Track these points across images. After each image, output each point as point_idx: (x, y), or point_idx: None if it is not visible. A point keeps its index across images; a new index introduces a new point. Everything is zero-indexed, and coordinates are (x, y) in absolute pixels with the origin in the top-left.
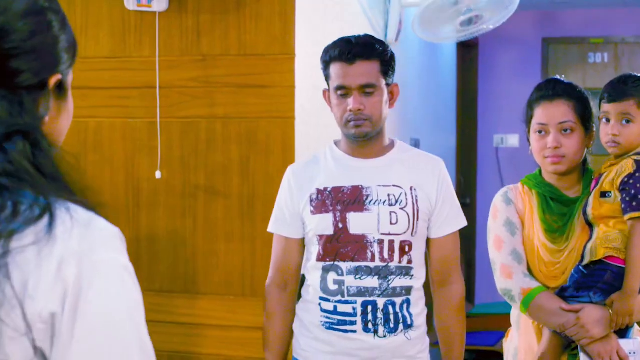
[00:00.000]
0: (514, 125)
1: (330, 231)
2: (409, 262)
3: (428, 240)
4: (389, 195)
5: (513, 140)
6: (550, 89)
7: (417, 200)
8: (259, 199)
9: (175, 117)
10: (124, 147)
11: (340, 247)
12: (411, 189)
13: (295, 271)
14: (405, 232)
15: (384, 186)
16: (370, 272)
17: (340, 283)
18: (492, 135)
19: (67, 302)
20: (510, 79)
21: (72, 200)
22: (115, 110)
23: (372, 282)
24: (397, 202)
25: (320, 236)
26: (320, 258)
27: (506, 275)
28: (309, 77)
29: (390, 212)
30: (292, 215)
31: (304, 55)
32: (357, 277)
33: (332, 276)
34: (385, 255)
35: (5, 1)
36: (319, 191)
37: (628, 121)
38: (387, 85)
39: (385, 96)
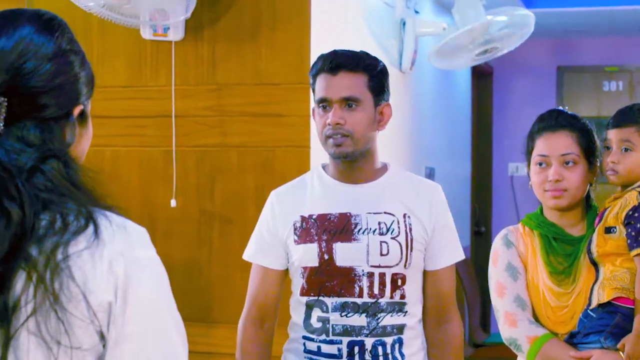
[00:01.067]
0: None
1: (314, 262)
2: (402, 297)
3: (423, 273)
4: (379, 224)
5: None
6: (553, 120)
7: (410, 229)
8: None
9: (191, 145)
10: (140, 176)
11: (326, 280)
12: (404, 216)
13: (273, 305)
14: (397, 264)
15: (374, 213)
16: (357, 308)
17: (324, 321)
18: (507, 164)
19: (118, 292)
20: (525, 107)
21: (104, 207)
22: (131, 139)
23: (360, 320)
24: (388, 230)
25: (304, 268)
26: (304, 292)
27: (510, 324)
28: None
29: (381, 242)
30: (273, 244)
31: None
32: (343, 314)
33: (316, 312)
34: (375, 290)
35: (35, 46)
36: (303, 219)
37: (627, 149)
38: (377, 104)
39: (372, 114)
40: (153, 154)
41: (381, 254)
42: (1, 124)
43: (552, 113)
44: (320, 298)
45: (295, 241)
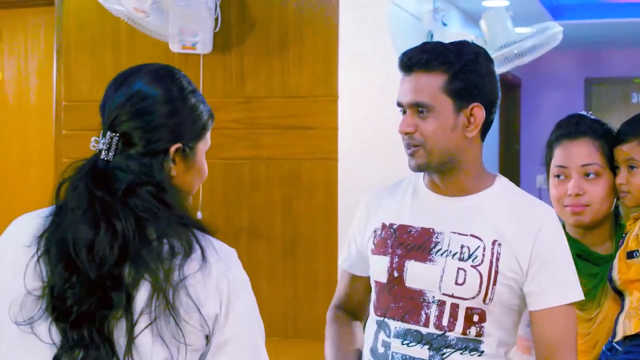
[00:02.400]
0: None
1: (383, 278)
2: (479, 335)
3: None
4: (462, 247)
5: None
6: (572, 126)
7: (497, 259)
8: (301, 240)
9: (219, 158)
10: None
11: (392, 300)
12: (494, 243)
13: (362, 304)
14: (473, 298)
15: (459, 234)
16: (420, 338)
17: (387, 346)
18: (535, 176)
19: (222, 305)
20: (553, 119)
21: (194, 225)
22: None
23: (421, 352)
24: (470, 257)
25: (376, 282)
26: (375, 309)
27: (524, 350)
28: (352, 119)
29: (458, 269)
30: (358, 249)
31: (347, 97)
32: (405, 342)
33: (381, 336)
34: (444, 322)
35: (180, 91)
36: (384, 227)
37: (633, 167)
38: (461, 108)
39: (451, 121)
40: None
41: (456, 283)
42: (112, 154)
43: (572, 118)
44: (386, 320)
45: (372, 250)
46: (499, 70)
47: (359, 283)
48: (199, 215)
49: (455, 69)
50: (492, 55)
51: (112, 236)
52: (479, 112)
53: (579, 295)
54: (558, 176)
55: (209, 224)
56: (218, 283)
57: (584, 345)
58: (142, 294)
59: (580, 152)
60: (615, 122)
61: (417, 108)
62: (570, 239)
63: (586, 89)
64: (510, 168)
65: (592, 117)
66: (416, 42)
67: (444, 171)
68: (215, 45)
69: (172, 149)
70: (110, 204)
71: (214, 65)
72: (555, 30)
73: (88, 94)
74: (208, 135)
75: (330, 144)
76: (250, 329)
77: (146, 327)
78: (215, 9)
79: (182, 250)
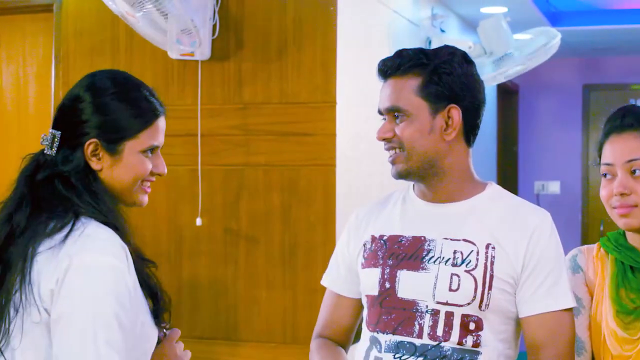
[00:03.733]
0: (555, 171)
1: (375, 291)
2: (476, 345)
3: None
4: (454, 252)
5: (554, 187)
6: (619, 119)
7: (492, 263)
8: (300, 247)
9: (217, 164)
10: (167, 195)
11: (383, 313)
12: (487, 246)
13: (347, 333)
14: (468, 304)
15: (451, 240)
16: (413, 351)
17: None
18: (533, 182)
19: (58, 282)
20: (551, 125)
21: (98, 219)
22: None
23: None
24: (463, 261)
25: (367, 296)
26: (367, 325)
27: None
28: (350, 125)
29: (452, 275)
30: (348, 268)
31: (345, 103)
32: (397, 355)
33: (373, 352)
34: (438, 332)
35: (107, 92)
36: (373, 239)
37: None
38: (437, 110)
39: (427, 124)
40: (179, 172)
41: (450, 289)
42: (54, 150)
43: (620, 111)
44: (376, 334)
45: (362, 264)
46: (495, 81)
47: (345, 305)
48: (199, 221)
49: (428, 70)
50: (490, 74)
51: (6, 222)
52: (456, 114)
53: (569, 301)
54: (605, 175)
55: (118, 218)
56: (61, 262)
57: None
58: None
59: (626, 147)
60: None
61: (394, 113)
62: (626, 247)
63: (584, 95)
64: (509, 174)
65: None
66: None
67: (427, 177)
68: (213, 52)
69: (86, 144)
70: (25, 194)
71: (212, 72)
72: (552, 43)
73: None
74: (147, 134)
75: (328, 151)
76: (85, 314)
77: (14, 293)
78: (214, 15)
79: (49, 230)
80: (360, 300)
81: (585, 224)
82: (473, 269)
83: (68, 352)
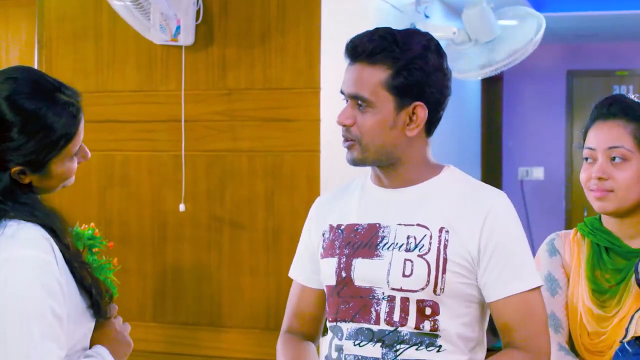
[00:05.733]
0: (539, 157)
1: (332, 281)
2: (434, 329)
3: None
4: (408, 238)
5: (538, 173)
6: (605, 107)
7: (445, 246)
8: (284, 233)
9: (201, 150)
10: (150, 180)
11: (341, 302)
12: (441, 230)
13: (314, 323)
14: (423, 289)
15: (405, 225)
16: (371, 337)
17: (339, 350)
18: (517, 168)
19: None
20: (535, 111)
21: (29, 220)
22: (141, 144)
23: (374, 350)
24: (416, 246)
25: (327, 287)
26: (328, 315)
27: None
28: (334, 111)
29: (405, 260)
30: (310, 258)
31: (329, 88)
32: (357, 342)
33: (334, 341)
34: (395, 317)
35: (20, 115)
36: (331, 229)
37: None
38: (402, 106)
39: (390, 119)
40: (163, 158)
41: (403, 275)
42: None
43: (608, 99)
44: (338, 324)
45: (321, 254)
46: (482, 76)
47: (311, 295)
48: (182, 207)
49: (399, 65)
50: (475, 71)
51: None
52: (422, 112)
53: (536, 280)
54: (587, 159)
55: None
56: None
57: (599, 344)
58: None
59: (609, 134)
60: None
61: (357, 100)
62: (602, 231)
63: (568, 81)
64: (492, 160)
65: (633, 98)
66: None
67: (382, 166)
68: (197, 37)
69: (12, 171)
70: None
71: (196, 57)
72: (538, 37)
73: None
74: (71, 144)
75: (312, 137)
76: (15, 308)
77: None
78: (197, 1)
79: None
80: (324, 290)
81: (569, 209)
82: (426, 254)
83: (3, 348)
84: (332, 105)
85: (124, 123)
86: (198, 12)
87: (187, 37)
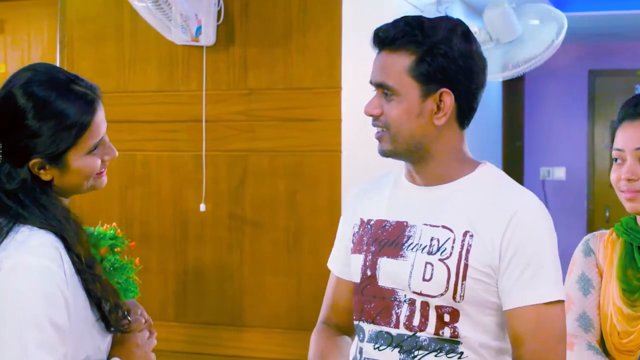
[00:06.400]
0: (561, 157)
1: (357, 278)
2: (454, 335)
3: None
4: (431, 239)
5: (559, 173)
6: (632, 106)
7: (467, 251)
8: (305, 233)
9: (222, 150)
10: (171, 180)
11: (365, 301)
12: (465, 234)
13: (349, 315)
14: (442, 294)
15: (430, 226)
16: (390, 341)
17: (360, 352)
18: (539, 168)
19: None
20: (556, 111)
21: (44, 228)
22: (162, 144)
23: (392, 355)
24: (438, 249)
25: (354, 283)
26: (353, 313)
27: (567, 346)
28: (355, 110)
29: (426, 264)
30: (345, 249)
31: (351, 88)
32: (376, 346)
33: (358, 342)
34: (414, 322)
35: (39, 106)
36: (362, 223)
37: None
38: (427, 93)
39: (417, 107)
40: (184, 158)
41: (423, 278)
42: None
43: (634, 99)
44: (360, 323)
45: (351, 249)
46: (509, 76)
47: (344, 288)
48: (202, 207)
49: (422, 50)
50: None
51: None
52: (448, 99)
53: (554, 294)
54: (616, 160)
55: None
56: None
57: (628, 344)
58: None
59: (636, 135)
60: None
61: (383, 89)
62: (634, 230)
63: (590, 81)
64: (514, 160)
65: None
66: None
67: (413, 159)
68: (218, 37)
69: (31, 164)
70: None
71: (217, 57)
72: (559, 38)
73: None
74: (87, 136)
75: (333, 136)
76: (13, 317)
77: None
78: (219, 1)
79: None
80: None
81: (591, 209)
82: (447, 258)
83: (1, 355)
84: (353, 105)
85: (145, 123)
86: (219, 12)
87: (208, 38)
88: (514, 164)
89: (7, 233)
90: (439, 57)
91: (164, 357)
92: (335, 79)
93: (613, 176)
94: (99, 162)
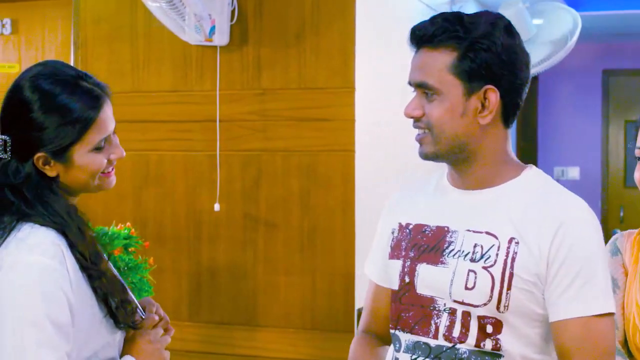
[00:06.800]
0: (575, 157)
1: (395, 285)
2: (496, 348)
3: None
4: (474, 246)
5: (573, 172)
6: None
7: (513, 259)
8: (319, 232)
9: (235, 150)
10: (185, 180)
11: (402, 310)
12: (510, 241)
13: (386, 328)
14: (485, 304)
15: (473, 232)
16: (428, 352)
17: None
18: (553, 168)
19: None
20: (571, 110)
21: (48, 225)
22: (176, 144)
23: None
24: (482, 257)
25: (391, 290)
26: (390, 321)
27: None
28: (368, 110)
29: (469, 271)
30: (382, 255)
31: (364, 88)
32: (413, 357)
33: (393, 352)
34: (454, 333)
35: (44, 100)
36: (400, 227)
37: None
38: (471, 91)
39: (460, 105)
40: (198, 158)
41: (466, 287)
42: (8, 154)
43: None
44: (397, 332)
45: (388, 254)
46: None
47: (383, 294)
48: (217, 207)
49: (464, 46)
50: None
51: None
52: (493, 96)
53: (604, 306)
54: (638, 159)
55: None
56: None
57: None
58: None
59: None
60: (634, 113)
61: (424, 90)
62: None
63: (604, 80)
64: (528, 160)
65: None
66: None
67: (457, 161)
68: (231, 37)
69: (35, 158)
70: None
71: (231, 57)
72: (573, 39)
73: None
74: (92, 131)
75: (347, 136)
76: (12, 315)
77: None
78: (232, 1)
79: None
80: None
81: (606, 209)
82: (491, 266)
83: (1, 355)
84: (366, 104)
85: (159, 123)
86: (233, 12)
87: (221, 38)
88: (528, 164)
89: (10, 231)
90: (482, 52)
91: (178, 357)
92: (349, 79)
93: (636, 175)
94: (104, 160)
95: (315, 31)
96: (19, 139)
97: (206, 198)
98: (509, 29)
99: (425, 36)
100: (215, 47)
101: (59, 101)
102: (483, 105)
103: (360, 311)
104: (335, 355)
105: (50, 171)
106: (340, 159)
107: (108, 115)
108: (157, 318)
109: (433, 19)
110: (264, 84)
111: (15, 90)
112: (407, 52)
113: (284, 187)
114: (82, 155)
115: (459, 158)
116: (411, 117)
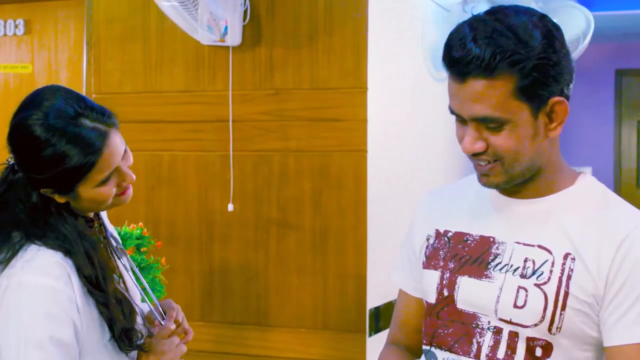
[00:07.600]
0: (587, 158)
1: (432, 298)
2: None
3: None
4: (525, 261)
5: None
6: None
7: (569, 277)
8: (331, 233)
9: (248, 150)
10: (198, 180)
11: (440, 325)
12: (566, 257)
13: (417, 338)
14: (536, 325)
15: (524, 245)
16: None
17: None
18: None
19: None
20: (583, 111)
21: (51, 246)
22: (188, 144)
23: None
24: (534, 273)
25: (425, 303)
26: (423, 335)
27: None
28: (381, 111)
29: (519, 288)
30: (413, 263)
31: (377, 88)
32: None
33: None
34: (499, 354)
35: (50, 140)
36: (437, 234)
37: None
38: (539, 107)
39: (531, 127)
40: (210, 158)
41: (515, 305)
42: (19, 174)
43: None
44: (432, 349)
45: (423, 263)
46: None
47: (413, 304)
48: (230, 207)
49: (528, 67)
50: None
51: None
52: (561, 107)
53: None
54: None
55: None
56: (1, 280)
57: None
58: None
59: None
60: None
61: (486, 123)
62: None
63: (616, 81)
64: None
65: None
66: (445, 34)
67: (524, 180)
68: (244, 38)
69: (42, 191)
70: None
71: (243, 58)
72: (586, 41)
73: (118, 87)
74: (96, 170)
75: (359, 136)
76: (16, 338)
77: None
78: (245, 1)
79: (3, 257)
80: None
81: None
82: (544, 283)
83: None
84: (379, 105)
85: (171, 123)
86: (245, 12)
87: (234, 38)
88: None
89: (18, 251)
90: (547, 67)
91: (190, 357)
92: (362, 79)
93: None
94: (113, 189)
95: (328, 31)
96: (30, 171)
97: (218, 198)
98: (557, 26)
99: (479, 66)
100: (228, 47)
101: (56, 150)
102: (550, 118)
103: (372, 311)
104: (346, 355)
105: (59, 199)
106: (352, 160)
107: (113, 150)
108: (173, 327)
109: (474, 41)
110: (277, 84)
111: (17, 127)
112: (419, 53)
113: (297, 188)
114: (89, 191)
115: (526, 177)
116: (473, 153)
